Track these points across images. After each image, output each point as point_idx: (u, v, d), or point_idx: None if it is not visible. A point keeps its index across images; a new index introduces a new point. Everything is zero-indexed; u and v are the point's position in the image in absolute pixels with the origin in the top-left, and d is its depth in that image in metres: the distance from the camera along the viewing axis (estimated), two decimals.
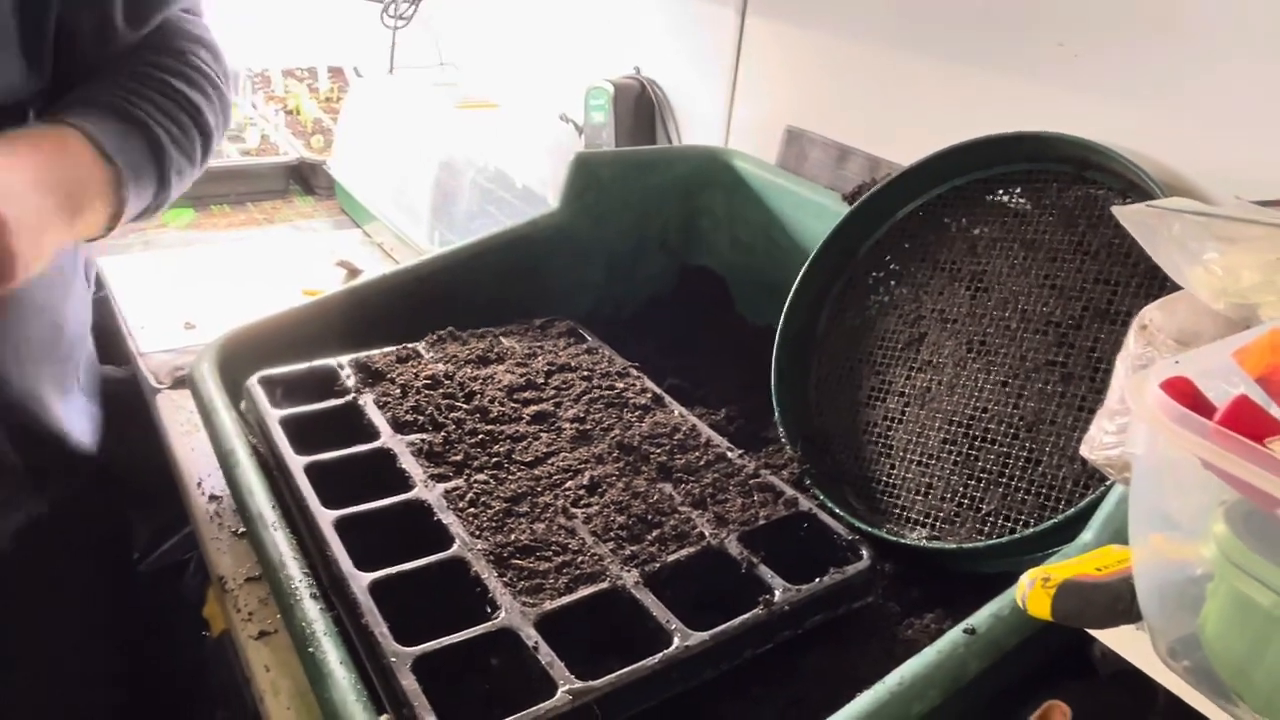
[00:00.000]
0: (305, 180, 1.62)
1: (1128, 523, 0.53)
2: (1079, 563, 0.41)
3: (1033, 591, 0.40)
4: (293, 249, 1.37)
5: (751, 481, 0.71)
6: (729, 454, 0.74)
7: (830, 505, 0.73)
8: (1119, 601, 0.40)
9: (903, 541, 0.70)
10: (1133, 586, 0.40)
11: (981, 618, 0.51)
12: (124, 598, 1.20)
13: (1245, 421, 0.31)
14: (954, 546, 0.67)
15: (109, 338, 1.21)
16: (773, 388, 0.83)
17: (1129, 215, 0.48)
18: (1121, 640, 0.42)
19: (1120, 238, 0.70)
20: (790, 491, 0.70)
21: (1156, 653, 0.39)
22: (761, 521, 0.67)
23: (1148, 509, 0.37)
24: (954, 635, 0.50)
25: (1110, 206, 0.71)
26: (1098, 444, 0.50)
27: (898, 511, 0.75)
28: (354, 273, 1.26)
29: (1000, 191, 0.79)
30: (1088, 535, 0.54)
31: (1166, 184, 0.67)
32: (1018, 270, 0.75)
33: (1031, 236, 0.75)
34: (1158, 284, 0.67)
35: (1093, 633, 0.43)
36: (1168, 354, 0.45)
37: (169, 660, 1.18)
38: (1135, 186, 0.69)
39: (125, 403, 1.19)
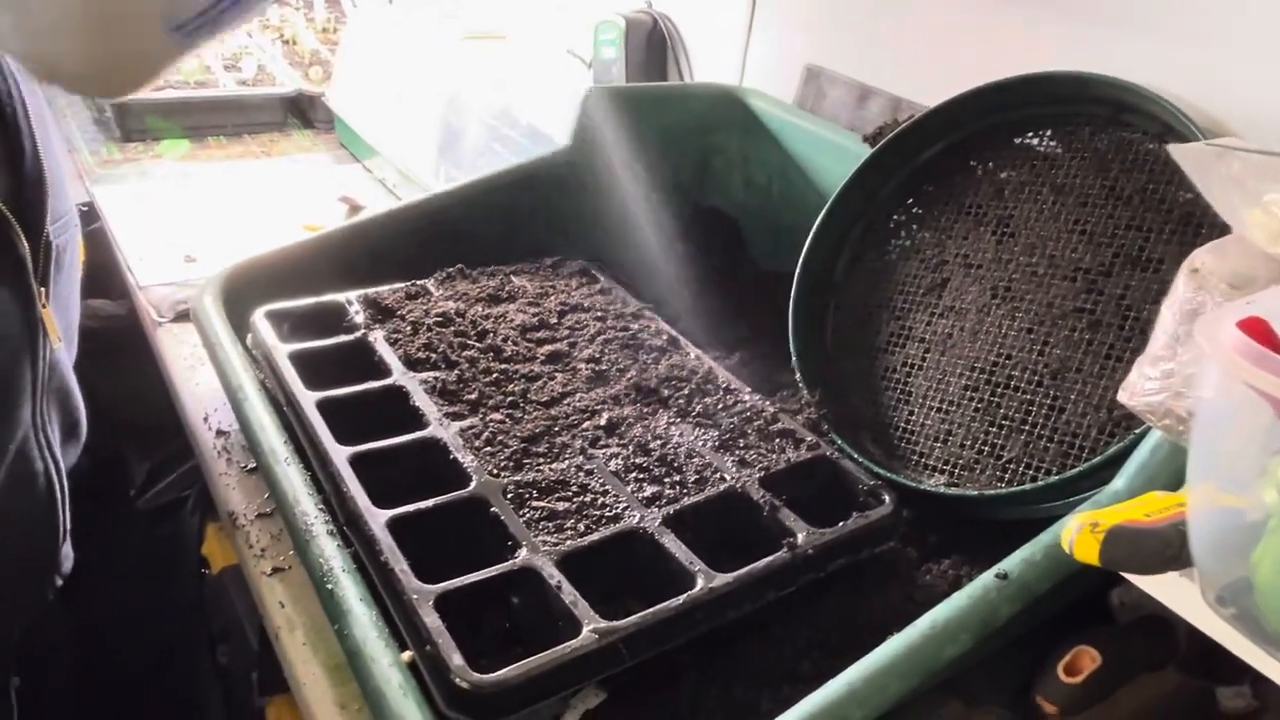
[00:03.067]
0: (303, 113, 1.57)
1: (1165, 470, 0.52)
2: (1127, 509, 0.40)
3: (1080, 536, 0.39)
4: (292, 183, 1.34)
5: (772, 426, 0.70)
6: (748, 398, 0.73)
7: (848, 450, 0.72)
8: (1168, 548, 0.39)
9: (921, 487, 0.69)
10: (1182, 533, 0.39)
11: (1013, 563, 0.50)
12: (121, 536, 1.20)
13: None
14: (975, 493, 0.67)
15: (104, 270, 1.18)
16: (790, 332, 0.82)
17: (1184, 153, 0.46)
18: (1163, 587, 0.42)
19: (1155, 183, 0.68)
20: (811, 436, 0.69)
21: (1204, 599, 0.39)
22: (783, 465, 0.66)
23: (1209, 453, 0.37)
24: (985, 580, 0.50)
25: (1145, 151, 0.70)
26: (1138, 390, 0.49)
27: (916, 458, 0.74)
28: (356, 209, 1.23)
29: (1030, 134, 0.77)
30: (1119, 483, 0.54)
31: (1207, 129, 0.65)
32: (1046, 215, 0.73)
33: (1061, 181, 0.73)
34: (1191, 231, 0.65)
35: (1132, 579, 0.43)
36: (1220, 298, 0.44)
37: (168, 598, 1.18)
38: (1173, 130, 0.67)
39: (120, 337, 1.16)
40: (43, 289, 0.70)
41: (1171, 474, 0.51)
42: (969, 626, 0.47)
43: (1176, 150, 0.47)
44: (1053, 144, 0.75)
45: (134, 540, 1.24)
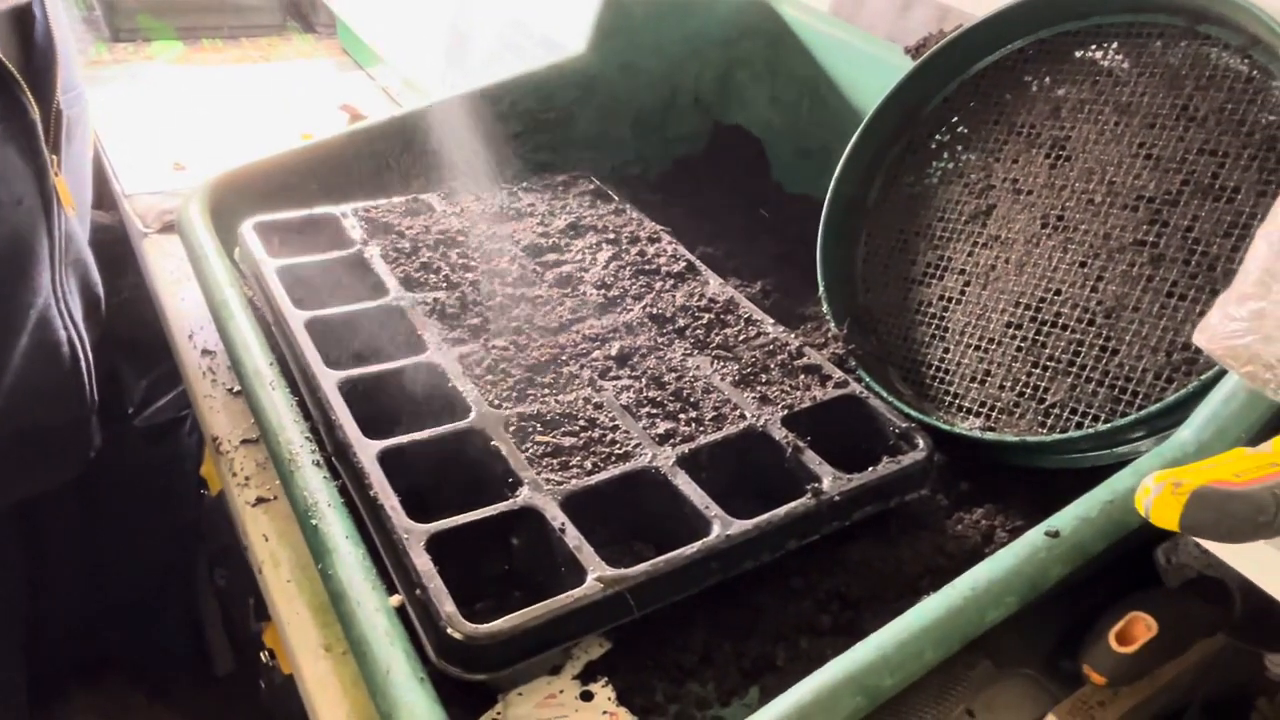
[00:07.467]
0: (304, 16, 1.49)
1: (1239, 422, 0.47)
2: (1213, 467, 0.35)
3: (1160, 498, 0.34)
4: (290, 89, 1.26)
5: (796, 361, 0.65)
6: (770, 330, 0.68)
7: (876, 388, 0.67)
8: (1261, 513, 0.34)
9: (955, 431, 0.64)
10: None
11: (1065, 519, 0.45)
12: (118, 455, 1.16)
13: None
14: (1015, 439, 0.62)
15: (95, 179, 1.12)
16: (818, 260, 0.76)
17: None
18: (1248, 559, 0.37)
19: (1234, 103, 0.61)
20: (839, 373, 0.64)
21: None
22: (808, 403, 0.61)
23: None
24: (1033, 538, 0.45)
25: (1225, 66, 0.63)
26: (1221, 332, 0.43)
27: (949, 399, 0.69)
28: (357, 117, 1.16)
29: (1093, 47, 0.69)
30: (1185, 433, 0.48)
31: None
32: (1107, 137, 0.66)
33: (1127, 99, 0.66)
34: (1275, 156, 0.59)
35: (1211, 547, 0.38)
36: None
37: (167, 519, 1.15)
38: (1260, 43, 0.60)
39: (113, 249, 1.11)
40: (54, 157, 0.71)
41: (1247, 426, 0.46)
42: (1015, 589, 0.43)
43: None
44: (1118, 58, 0.68)
45: (131, 460, 1.21)
